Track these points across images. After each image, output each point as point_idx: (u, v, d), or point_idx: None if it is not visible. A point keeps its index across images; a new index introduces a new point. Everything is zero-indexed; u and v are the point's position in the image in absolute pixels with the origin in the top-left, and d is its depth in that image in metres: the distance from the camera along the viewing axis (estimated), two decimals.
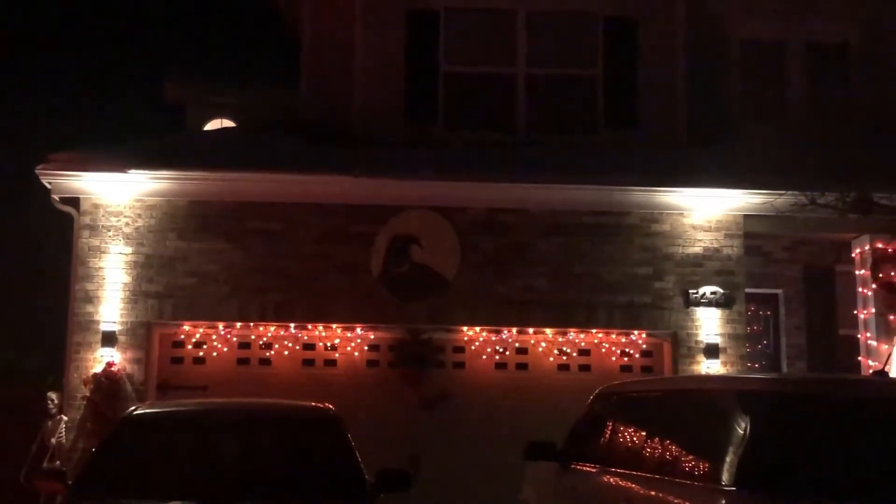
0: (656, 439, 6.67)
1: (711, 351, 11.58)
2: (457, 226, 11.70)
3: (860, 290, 12.06)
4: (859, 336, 12.05)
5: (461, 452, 11.19)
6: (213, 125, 16.78)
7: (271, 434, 7.34)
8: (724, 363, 11.58)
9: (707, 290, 11.70)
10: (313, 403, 7.94)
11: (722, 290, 11.71)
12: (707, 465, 5.72)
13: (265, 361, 11.78)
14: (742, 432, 5.46)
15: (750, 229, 11.91)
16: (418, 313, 11.58)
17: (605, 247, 11.81)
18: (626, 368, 11.97)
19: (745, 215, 11.85)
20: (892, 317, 11.64)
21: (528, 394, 11.69)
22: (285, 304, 11.49)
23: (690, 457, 6.06)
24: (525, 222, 11.79)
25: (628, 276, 11.77)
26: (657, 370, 11.92)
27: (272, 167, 11.55)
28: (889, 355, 10.77)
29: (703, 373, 11.35)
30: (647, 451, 6.70)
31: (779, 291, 13.20)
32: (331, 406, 7.78)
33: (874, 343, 11.69)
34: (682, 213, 11.87)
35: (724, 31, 13.69)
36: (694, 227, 11.87)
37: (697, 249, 11.84)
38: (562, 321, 11.74)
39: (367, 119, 12.71)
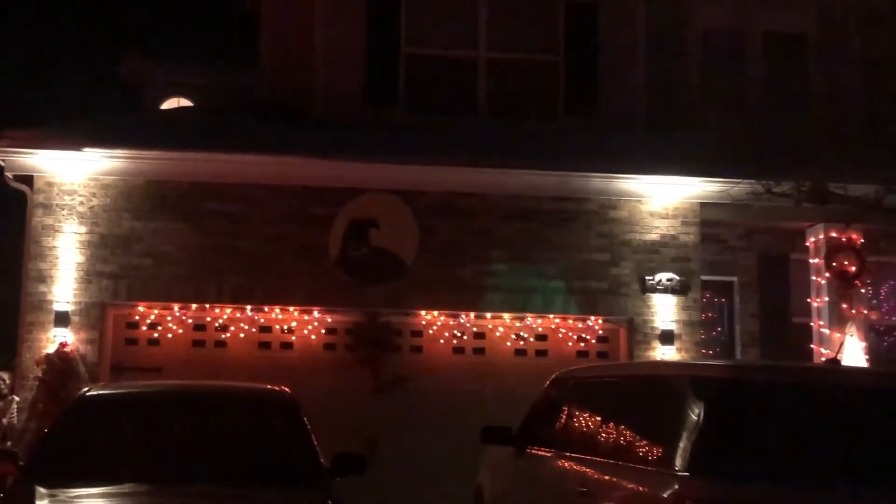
0: (611, 424, 6.71)
1: (667, 337, 11.67)
2: (416, 209, 11.66)
3: (814, 278, 12.20)
4: (812, 324, 12.19)
5: (418, 436, 11.18)
6: (170, 104, 16.62)
7: (226, 417, 7.29)
8: (679, 349, 11.68)
9: (663, 276, 11.77)
10: (269, 386, 7.90)
11: (678, 277, 11.79)
12: (661, 451, 5.76)
13: (221, 344, 11.68)
14: (696, 418, 5.50)
15: (706, 217, 12.00)
16: (376, 297, 11.53)
17: (564, 233, 11.83)
18: (582, 354, 12.02)
19: (701, 203, 11.93)
20: (844, 305, 11.80)
21: (485, 378, 11.71)
22: (242, 286, 11.39)
23: (645, 442, 6.10)
24: (484, 207, 11.78)
25: (586, 262, 11.81)
26: (613, 356, 11.99)
27: (230, 147, 11.42)
28: (841, 343, 10.92)
29: (659, 359, 11.44)
30: (603, 436, 6.74)
31: (734, 279, 13.28)
32: (287, 389, 7.74)
33: (827, 331, 11.84)
34: (639, 200, 11.93)
35: (684, 18, 13.75)
36: (651, 214, 11.93)
37: (654, 236, 11.90)
38: (519, 306, 11.76)
39: (327, 100, 12.60)
